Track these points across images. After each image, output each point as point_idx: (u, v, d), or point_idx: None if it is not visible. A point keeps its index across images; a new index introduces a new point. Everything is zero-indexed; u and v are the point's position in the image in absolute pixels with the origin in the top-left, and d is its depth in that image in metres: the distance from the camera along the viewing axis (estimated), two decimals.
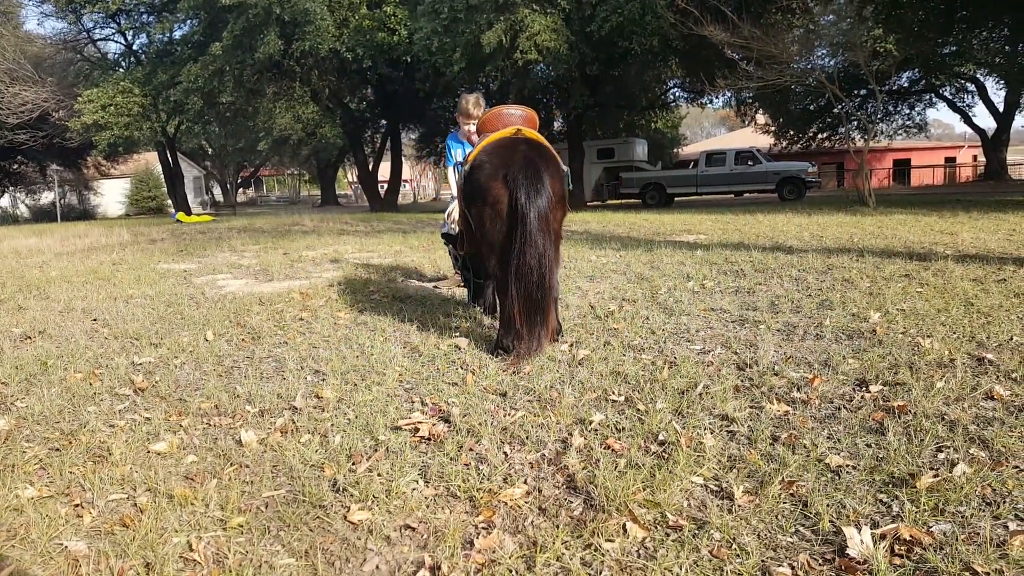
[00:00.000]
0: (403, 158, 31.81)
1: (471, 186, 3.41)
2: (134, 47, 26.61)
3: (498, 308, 3.61)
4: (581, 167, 21.44)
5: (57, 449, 2.45)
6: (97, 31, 26.66)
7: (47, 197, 37.09)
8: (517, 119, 3.61)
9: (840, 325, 3.60)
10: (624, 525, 1.78)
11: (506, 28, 15.29)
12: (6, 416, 2.77)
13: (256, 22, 17.39)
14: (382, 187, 29.11)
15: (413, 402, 2.77)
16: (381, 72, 21.32)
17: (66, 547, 1.81)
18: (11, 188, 38.00)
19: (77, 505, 2.03)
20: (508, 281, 3.14)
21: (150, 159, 35.50)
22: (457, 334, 3.77)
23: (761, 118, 30.06)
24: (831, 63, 17.43)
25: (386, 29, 18.38)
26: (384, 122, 28.55)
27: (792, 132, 29.01)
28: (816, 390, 2.66)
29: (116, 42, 27.49)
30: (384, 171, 33.16)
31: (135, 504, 2.03)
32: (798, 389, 2.70)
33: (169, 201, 32.38)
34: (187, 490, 2.07)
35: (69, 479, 2.20)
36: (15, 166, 35.62)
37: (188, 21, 21.61)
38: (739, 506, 1.86)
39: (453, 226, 4.53)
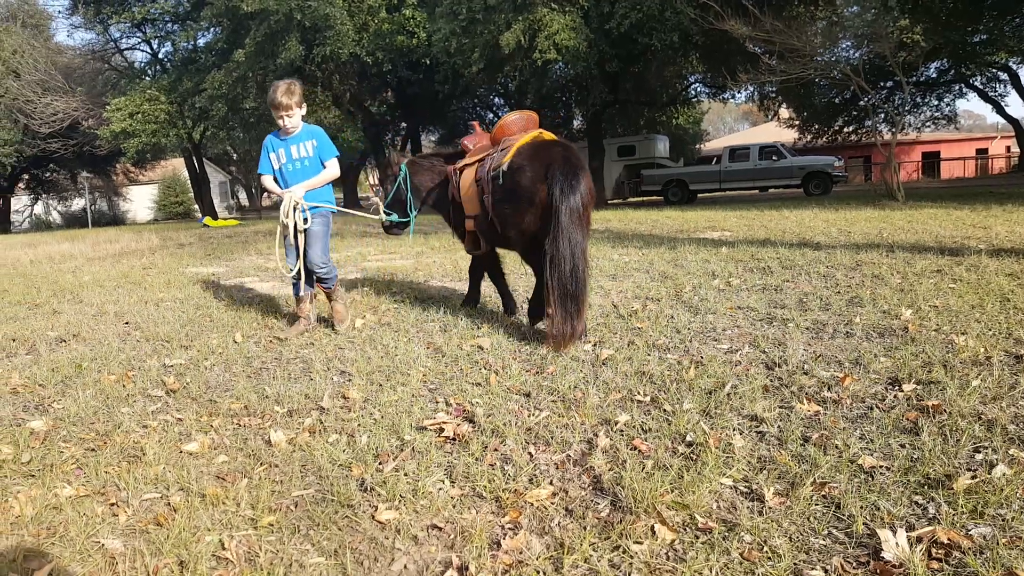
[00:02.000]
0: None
1: (513, 188, 3.57)
2: (160, 55, 27.18)
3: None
4: (601, 165, 21.34)
5: (93, 449, 2.50)
6: (124, 41, 27.28)
7: (78, 203, 38.05)
8: (532, 123, 3.92)
9: (871, 322, 3.54)
10: (652, 527, 1.77)
11: (524, 28, 15.26)
12: (44, 417, 2.84)
13: (277, 28, 17.60)
14: None
15: (437, 402, 2.79)
16: (401, 75, 21.48)
17: (103, 545, 1.85)
18: (44, 195, 39.05)
19: (113, 504, 2.08)
20: (546, 274, 3.35)
21: (177, 165, 36.20)
22: (480, 335, 3.77)
23: (785, 112, 29.61)
24: (856, 55, 17.08)
25: (405, 32, 18.48)
26: (404, 124, 28.74)
27: (817, 126, 28.52)
28: (847, 389, 2.62)
29: (142, 51, 28.10)
30: None
31: (168, 503, 2.07)
32: (829, 388, 2.65)
33: (196, 206, 32.96)
34: (219, 489, 2.10)
35: (105, 478, 2.25)
36: (47, 174, 36.61)
37: (211, 29, 21.96)
38: (770, 508, 1.84)
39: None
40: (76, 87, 27.23)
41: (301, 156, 4.02)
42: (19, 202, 38.49)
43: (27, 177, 36.30)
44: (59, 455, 2.45)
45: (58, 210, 40.12)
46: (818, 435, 2.23)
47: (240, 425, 2.67)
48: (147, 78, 25.17)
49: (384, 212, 4.48)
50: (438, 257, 7.71)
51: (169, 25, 25.31)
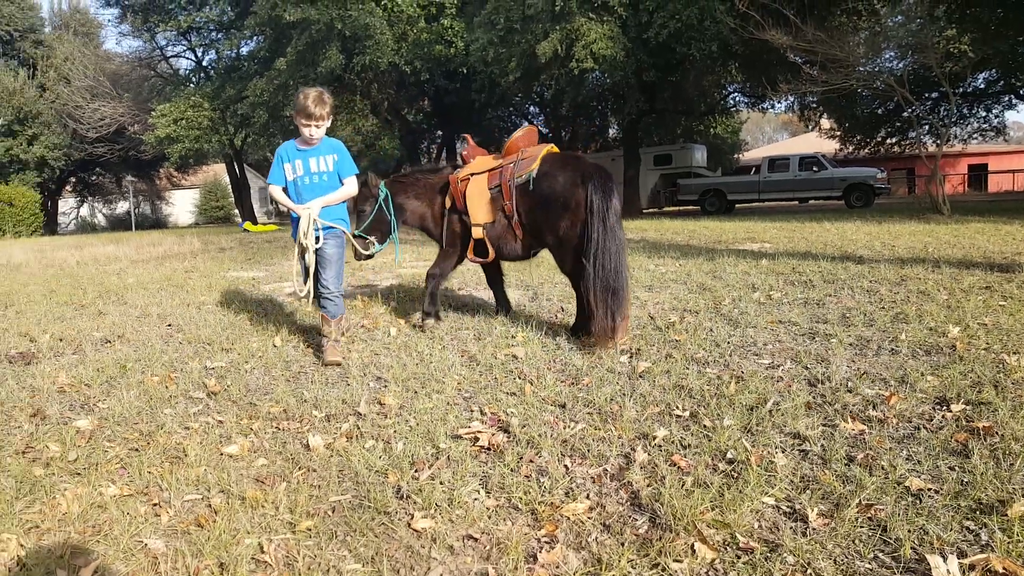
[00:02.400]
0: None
1: (547, 193, 3.70)
2: (204, 63, 28.03)
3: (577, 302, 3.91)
4: (637, 174, 21.23)
5: (136, 449, 2.56)
6: (169, 48, 28.29)
7: (123, 207, 39.37)
8: (535, 136, 4.15)
9: (917, 340, 3.43)
10: (692, 545, 1.73)
11: (562, 37, 15.28)
12: (90, 416, 2.93)
13: (318, 38, 17.98)
14: None
15: (472, 411, 2.79)
16: (438, 84, 21.70)
17: (146, 545, 1.89)
18: (90, 198, 40.49)
19: (155, 504, 2.12)
20: (588, 271, 3.47)
21: (218, 171, 37.16)
22: (514, 344, 3.77)
23: (826, 123, 29.03)
24: (900, 65, 16.68)
25: (443, 42, 18.70)
26: (440, 133, 29.01)
27: (859, 137, 27.87)
28: (893, 408, 2.54)
29: (187, 59, 29.04)
30: None
31: (209, 505, 2.11)
32: (874, 407, 2.57)
33: (236, 211, 33.75)
34: (258, 492, 2.13)
35: (148, 479, 2.30)
36: (94, 177, 37.99)
37: (254, 38, 22.53)
38: (813, 529, 1.79)
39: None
40: (123, 93, 28.25)
41: (320, 170, 3.75)
42: (66, 204, 40.00)
43: (74, 180, 37.71)
44: (104, 454, 2.52)
45: (103, 213, 41.55)
46: (863, 455, 2.16)
47: (279, 429, 2.71)
48: (191, 85, 25.98)
49: (362, 239, 4.26)
50: (471, 264, 7.72)
51: (213, 34, 26.12)
